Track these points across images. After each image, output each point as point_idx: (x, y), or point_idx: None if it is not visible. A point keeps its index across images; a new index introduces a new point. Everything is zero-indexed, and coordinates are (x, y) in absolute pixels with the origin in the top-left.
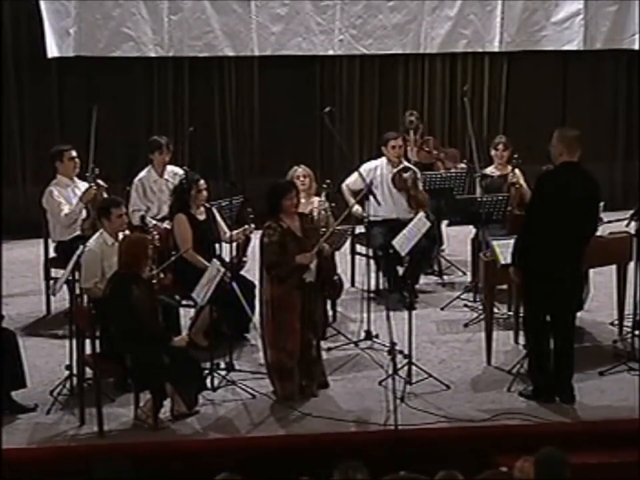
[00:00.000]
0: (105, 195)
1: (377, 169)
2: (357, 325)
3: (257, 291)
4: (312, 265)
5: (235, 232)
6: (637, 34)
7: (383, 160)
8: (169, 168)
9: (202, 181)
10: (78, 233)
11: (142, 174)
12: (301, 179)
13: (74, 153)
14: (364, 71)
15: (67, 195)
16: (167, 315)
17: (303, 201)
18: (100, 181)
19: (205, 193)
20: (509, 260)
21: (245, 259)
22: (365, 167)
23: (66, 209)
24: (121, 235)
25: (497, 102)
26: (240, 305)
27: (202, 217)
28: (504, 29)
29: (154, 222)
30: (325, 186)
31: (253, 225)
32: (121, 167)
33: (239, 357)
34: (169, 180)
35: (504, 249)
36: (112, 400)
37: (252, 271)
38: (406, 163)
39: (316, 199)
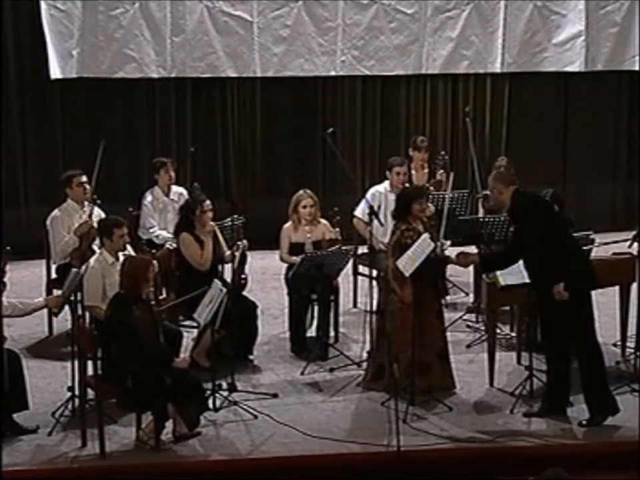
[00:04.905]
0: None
1: (380, 194)
2: (359, 345)
3: (258, 312)
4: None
5: (228, 252)
6: (638, 55)
7: (386, 184)
8: (174, 189)
9: (207, 202)
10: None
11: (149, 197)
12: (308, 208)
13: (83, 178)
14: (366, 91)
15: (71, 223)
16: (168, 339)
17: (306, 228)
18: (92, 220)
19: (210, 213)
20: (508, 282)
21: (243, 276)
22: (370, 192)
23: (64, 240)
24: (120, 255)
25: (498, 123)
26: (244, 325)
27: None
28: (505, 50)
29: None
30: (331, 213)
31: (245, 242)
32: (123, 188)
33: (240, 378)
34: (174, 200)
35: (505, 270)
36: (114, 421)
37: (254, 291)
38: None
39: (323, 221)
